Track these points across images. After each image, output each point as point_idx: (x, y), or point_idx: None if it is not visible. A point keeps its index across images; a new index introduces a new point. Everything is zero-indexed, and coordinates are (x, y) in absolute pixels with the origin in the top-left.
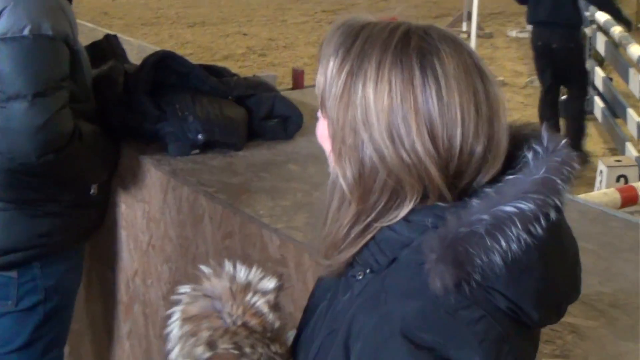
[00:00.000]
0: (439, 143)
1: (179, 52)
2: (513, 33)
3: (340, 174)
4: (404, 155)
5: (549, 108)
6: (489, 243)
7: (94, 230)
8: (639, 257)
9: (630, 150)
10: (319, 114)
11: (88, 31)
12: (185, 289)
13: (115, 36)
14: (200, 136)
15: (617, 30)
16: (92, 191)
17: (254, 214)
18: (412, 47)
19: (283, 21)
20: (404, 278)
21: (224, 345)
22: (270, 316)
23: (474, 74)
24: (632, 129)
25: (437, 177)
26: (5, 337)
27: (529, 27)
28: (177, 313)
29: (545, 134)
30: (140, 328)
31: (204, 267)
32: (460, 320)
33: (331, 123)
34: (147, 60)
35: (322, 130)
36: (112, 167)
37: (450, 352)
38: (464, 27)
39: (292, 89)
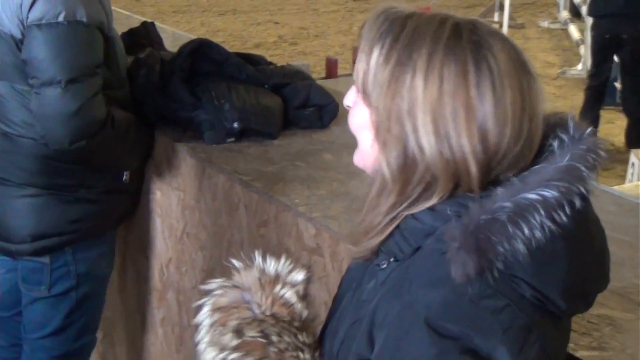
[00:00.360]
0: (489, 141)
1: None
2: (545, 24)
3: (384, 163)
4: (446, 151)
5: (597, 100)
6: (511, 230)
7: (127, 217)
8: None
9: None
10: (350, 101)
11: (124, 18)
12: (215, 281)
13: (152, 23)
14: (236, 124)
15: None
16: (124, 178)
17: (290, 203)
18: (465, 41)
19: (314, 10)
20: (428, 267)
21: (251, 333)
22: (299, 306)
23: (520, 70)
24: None
25: (475, 174)
26: (39, 322)
27: (562, 18)
28: (207, 304)
29: (571, 122)
30: (174, 315)
31: (234, 260)
32: (484, 309)
33: (375, 112)
34: (184, 48)
35: (359, 118)
36: (145, 154)
37: (474, 341)
38: (496, 18)
39: (326, 77)
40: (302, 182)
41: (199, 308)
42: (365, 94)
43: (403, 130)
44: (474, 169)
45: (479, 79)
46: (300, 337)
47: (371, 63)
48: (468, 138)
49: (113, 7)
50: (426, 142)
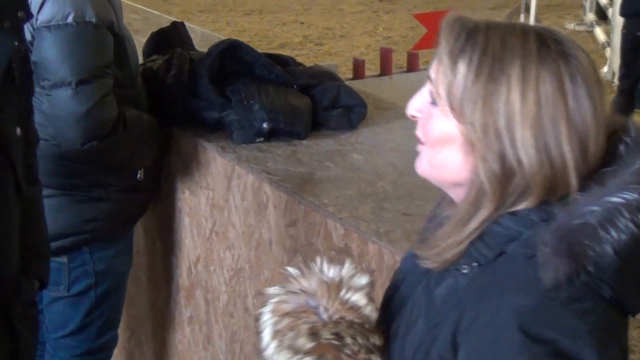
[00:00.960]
0: (589, 151)
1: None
2: (571, 25)
3: (484, 177)
4: (546, 163)
5: (629, 103)
6: (601, 234)
7: (142, 214)
8: None
9: None
10: (418, 111)
11: (153, 18)
12: (274, 288)
13: (182, 23)
14: (265, 124)
15: None
16: (138, 176)
17: (318, 203)
18: (555, 52)
19: (340, 10)
20: (516, 272)
21: (326, 336)
22: (368, 309)
23: (598, 77)
24: None
25: (574, 184)
26: (59, 322)
27: (588, 20)
28: (268, 312)
29: (631, 125)
30: (202, 314)
31: (290, 268)
32: (574, 312)
33: (471, 128)
34: (213, 49)
35: (441, 131)
36: (157, 151)
37: (564, 345)
38: (522, 19)
39: (352, 78)
40: (330, 182)
41: (257, 317)
42: (453, 108)
43: (501, 145)
44: (573, 179)
45: (575, 90)
46: (371, 339)
47: (458, 77)
48: (570, 149)
49: (142, 6)
50: (525, 155)
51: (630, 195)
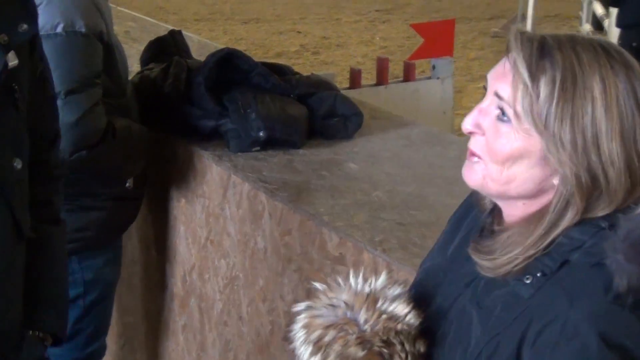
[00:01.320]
0: None
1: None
2: None
3: (570, 189)
4: (629, 175)
5: None
6: None
7: (131, 223)
8: None
9: None
10: (479, 127)
11: (150, 26)
12: (301, 304)
13: (179, 32)
14: (261, 133)
15: None
16: (128, 185)
17: (314, 212)
18: (621, 63)
19: (337, 19)
20: (582, 280)
21: (377, 343)
22: (409, 317)
23: None
24: None
25: None
26: None
27: (584, 31)
28: (300, 328)
29: None
30: (196, 322)
31: (317, 284)
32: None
33: (558, 143)
34: (210, 57)
35: (514, 147)
36: (146, 159)
37: (637, 355)
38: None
39: (349, 88)
40: (326, 191)
41: (289, 332)
42: (536, 126)
43: (589, 160)
44: None
45: None
46: (417, 345)
47: (542, 96)
48: None
49: (139, 15)
50: (611, 168)
51: None
